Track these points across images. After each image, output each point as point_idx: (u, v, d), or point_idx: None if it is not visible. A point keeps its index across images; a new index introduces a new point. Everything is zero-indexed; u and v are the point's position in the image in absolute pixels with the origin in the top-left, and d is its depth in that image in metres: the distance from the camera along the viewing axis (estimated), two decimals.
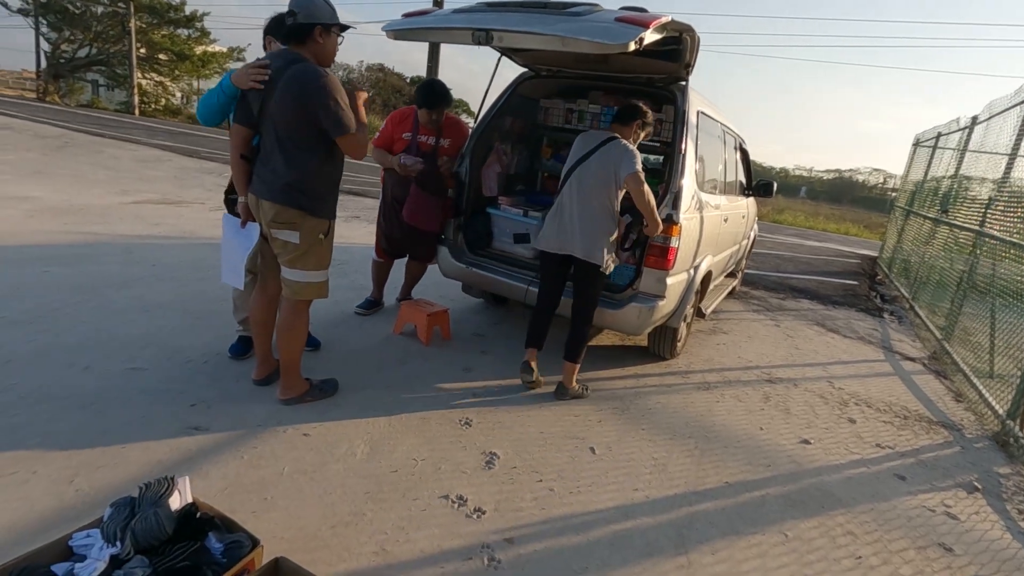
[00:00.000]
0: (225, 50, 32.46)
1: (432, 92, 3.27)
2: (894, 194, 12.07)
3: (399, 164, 3.25)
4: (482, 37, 2.26)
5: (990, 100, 5.48)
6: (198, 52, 30.91)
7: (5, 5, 27.94)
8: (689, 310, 3.58)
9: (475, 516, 1.89)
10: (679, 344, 3.69)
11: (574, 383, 2.91)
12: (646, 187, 2.58)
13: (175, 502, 1.30)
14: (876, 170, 48.65)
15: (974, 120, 6.22)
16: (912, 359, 4.67)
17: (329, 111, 2.05)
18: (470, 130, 3.54)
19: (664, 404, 3.03)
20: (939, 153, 7.90)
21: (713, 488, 2.29)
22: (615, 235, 2.76)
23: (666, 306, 3.06)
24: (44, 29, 28.70)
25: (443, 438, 2.36)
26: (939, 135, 8.05)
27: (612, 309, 3.02)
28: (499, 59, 3.41)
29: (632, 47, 2.06)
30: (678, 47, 2.62)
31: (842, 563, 1.94)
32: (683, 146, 2.96)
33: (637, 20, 2.10)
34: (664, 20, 2.19)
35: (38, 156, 9.05)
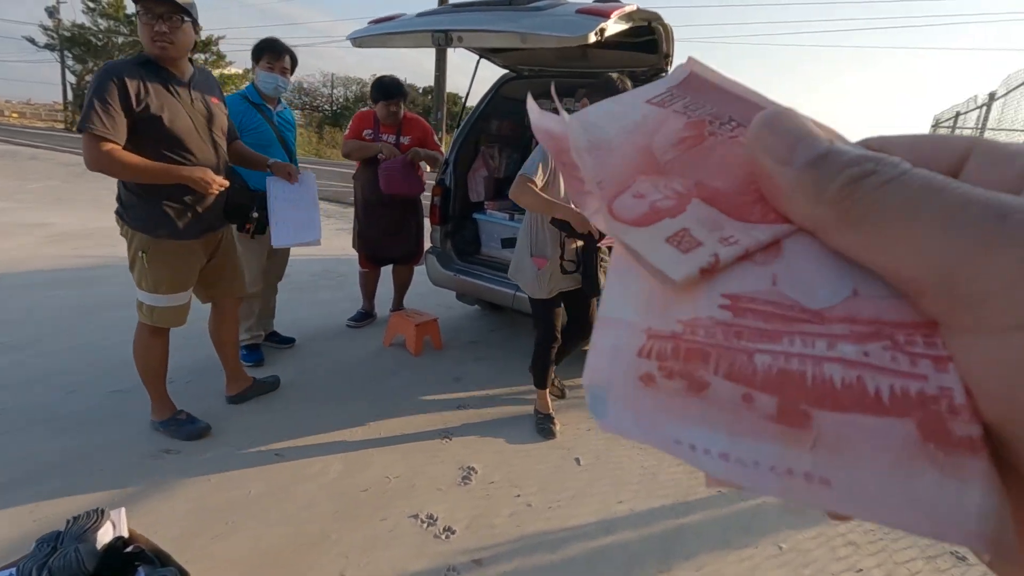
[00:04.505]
0: (241, 71, 33.31)
1: (384, 85, 3.27)
2: None
3: (380, 151, 3.27)
4: (441, 38, 2.20)
5: (1008, 74, 5.22)
6: (215, 75, 31.73)
7: (32, 41, 29.14)
8: None
9: (444, 536, 1.81)
10: None
11: (543, 400, 2.61)
12: (519, 189, 2.09)
13: (107, 535, 1.26)
14: None
15: (991, 96, 5.93)
16: None
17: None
18: (430, 126, 3.49)
19: None
20: (958, 133, 7.58)
21: (704, 498, 2.17)
22: (533, 248, 2.35)
23: None
24: (70, 62, 29.82)
25: (421, 453, 2.29)
26: (957, 114, 7.73)
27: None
28: (477, 62, 3.35)
29: (593, 38, 1.98)
30: (653, 37, 2.52)
31: None
32: None
33: (597, 11, 2.02)
34: (627, 9, 2.10)
35: (60, 183, 9.33)
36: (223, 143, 2.12)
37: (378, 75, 3.36)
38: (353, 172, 3.57)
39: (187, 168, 1.95)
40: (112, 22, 29.28)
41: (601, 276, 2.24)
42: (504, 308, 4.19)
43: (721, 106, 0.20)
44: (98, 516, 1.26)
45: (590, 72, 3.36)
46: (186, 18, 1.86)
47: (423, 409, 2.66)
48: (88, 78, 30.26)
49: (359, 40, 2.46)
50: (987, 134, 6.02)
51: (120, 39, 29.69)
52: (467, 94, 3.48)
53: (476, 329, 3.86)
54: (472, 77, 3.36)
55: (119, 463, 2.03)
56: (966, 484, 0.12)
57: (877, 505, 0.13)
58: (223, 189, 1.99)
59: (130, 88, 1.81)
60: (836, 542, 1.97)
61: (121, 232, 2.04)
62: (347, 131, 3.45)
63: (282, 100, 2.99)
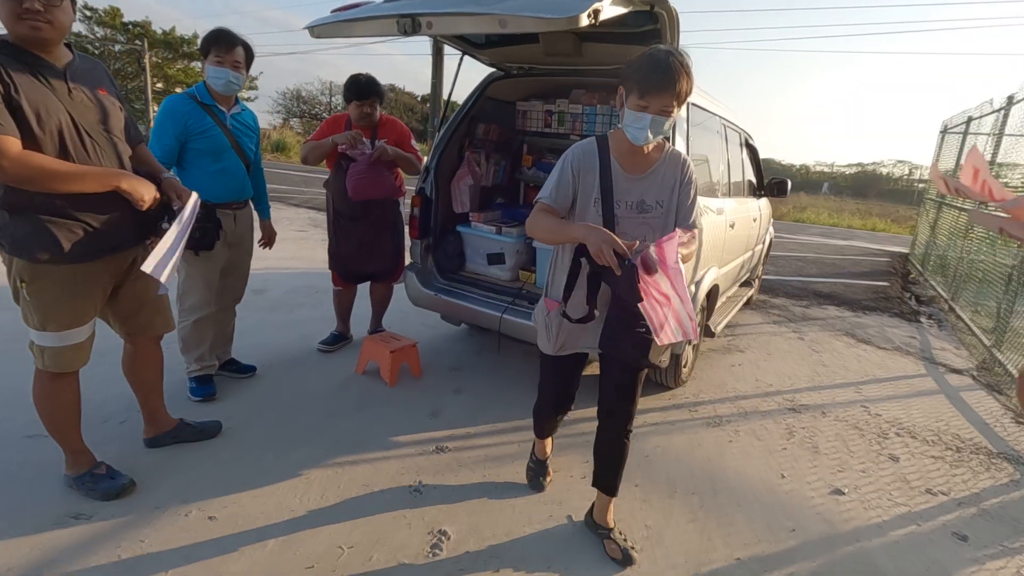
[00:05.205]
0: None
1: (357, 84, 2.96)
2: (921, 186, 11.41)
3: (335, 142, 2.94)
4: (408, 25, 1.88)
5: None
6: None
7: None
8: None
9: None
10: (685, 370, 3.22)
11: (540, 445, 2.19)
12: (530, 220, 1.60)
13: None
14: (900, 162, 47.15)
15: (1010, 100, 5.63)
16: (958, 371, 4.09)
17: None
18: (407, 129, 3.16)
19: (665, 448, 2.56)
20: (971, 139, 7.27)
21: (721, 567, 1.81)
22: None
23: None
24: None
25: (385, 512, 1.93)
26: (969, 119, 7.42)
27: None
28: (460, 59, 3.03)
29: (585, 21, 1.66)
30: (655, 26, 2.20)
31: None
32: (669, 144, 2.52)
33: None
34: None
35: None
36: (124, 146, 1.75)
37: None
38: (325, 179, 3.25)
39: (122, 173, 1.64)
40: (109, 30, 29.19)
41: (657, 347, 1.51)
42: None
43: None
44: None
45: (585, 70, 3.04)
46: None
47: (393, 453, 2.31)
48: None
49: (317, 29, 2.14)
50: (1006, 140, 5.72)
51: (117, 47, 29.56)
52: (449, 94, 3.17)
53: (460, 353, 3.51)
54: (455, 76, 3.05)
55: (8, 533, 1.68)
56: None
57: None
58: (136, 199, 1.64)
59: None
60: None
61: (2, 259, 1.69)
62: (315, 132, 3.13)
63: (240, 101, 2.66)
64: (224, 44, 2.37)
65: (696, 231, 1.61)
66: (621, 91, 1.53)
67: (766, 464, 2.50)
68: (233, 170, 2.51)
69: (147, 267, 1.54)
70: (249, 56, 2.49)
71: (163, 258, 1.58)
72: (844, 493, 2.32)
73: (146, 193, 1.66)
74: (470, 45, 2.94)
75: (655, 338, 1.40)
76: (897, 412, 3.22)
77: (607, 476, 1.83)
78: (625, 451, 1.81)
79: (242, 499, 1.93)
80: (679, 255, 1.37)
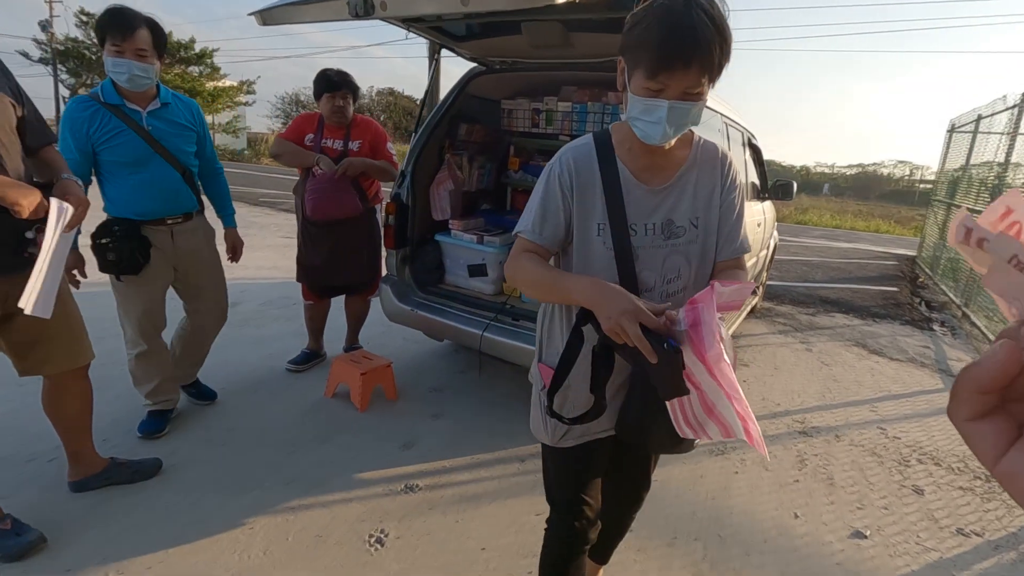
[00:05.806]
0: (236, 84, 32.94)
1: (328, 76, 2.74)
2: (923, 187, 11.14)
3: (318, 164, 2.71)
4: (359, 7, 1.64)
5: None
6: (208, 88, 31.32)
7: (26, 55, 28.86)
8: None
9: None
10: None
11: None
12: (510, 263, 1.11)
13: None
14: (901, 162, 46.98)
15: None
16: None
17: None
18: (383, 130, 2.91)
19: (664, 482, 2.29)
20: (981, 138, 7.01)
21: None
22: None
23: None
24: (63, 76, 29.50)
25: (338, 571, 1.67)
26: (979, 117, 7.16)
27: None
28: (437, 55, 2.78)
29: None
30: None
31: None
32: None
33: None
34: None
35: None
36: (13, 148, 1.47)
37: (370, 87, 2.82)
38: (294, 185, 3.00)
39: None
40: None
41: (686, 425, 0.97)
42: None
43: None
44: None
45: (575, 64, 2.78)
46: None
47: (355, 494, 2.05)
48: (82, 91, 30.05)
49: (265, 15, 1.90)
50: (1020, 140, 5.46)
51: None
52: (427, 91, 2.91)
53: (442, 371, 3.25)
54: (429, 71, 2.79)
55: None
56: None
57: None
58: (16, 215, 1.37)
59: None
60: None
61: None
62: (287, 127, 2.89)
63: (164, 90, 2.13)
64: (120, 29, 1.88)
65: (745, 258, 1.14)
66: (622, 66, 1.01)
67: (777, 500, 2.24)
68: (159, 179, 2.11)
69: (26, 305, 1.25)
70: (159, 40, 2.00)
71: (42, 288, 1.29)
72: (866, 536, 2.05)
73: (21, 198, 1.35)
74: (447, 37, 2.69)
75: (678, 431, 0.98)
76: (917, 434, 2.95)
77: (602, 547, 1.53)
78: (628, 525, 1.52)
79: (171, 557, 1.66)
80: (719, 316, 0.82)
